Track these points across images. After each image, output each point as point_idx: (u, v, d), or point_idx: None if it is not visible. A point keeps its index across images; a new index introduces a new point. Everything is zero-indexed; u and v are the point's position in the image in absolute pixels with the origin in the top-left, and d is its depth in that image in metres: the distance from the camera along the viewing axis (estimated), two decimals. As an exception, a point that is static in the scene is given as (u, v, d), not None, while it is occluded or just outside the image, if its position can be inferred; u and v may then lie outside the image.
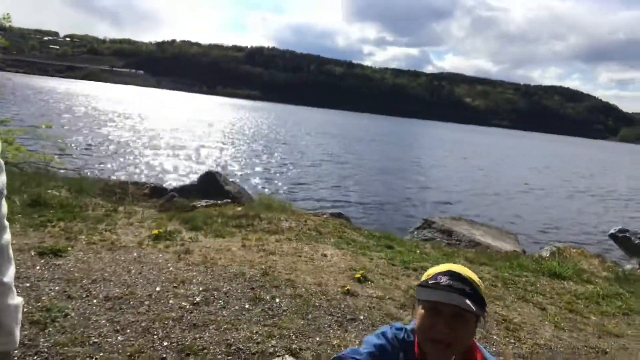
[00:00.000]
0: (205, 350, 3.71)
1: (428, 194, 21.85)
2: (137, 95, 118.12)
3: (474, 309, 1.57)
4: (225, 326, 4.11)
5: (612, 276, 7.14)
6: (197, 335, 3.90)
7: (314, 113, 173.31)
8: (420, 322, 1.72)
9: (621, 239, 9.69)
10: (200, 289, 4.77)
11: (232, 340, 3.90)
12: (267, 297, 4.79)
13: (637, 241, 9.37)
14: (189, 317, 4.16)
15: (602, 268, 7.59)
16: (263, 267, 5.56)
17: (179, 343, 3.74)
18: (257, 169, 23.88)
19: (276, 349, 3.88)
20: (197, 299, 4.54)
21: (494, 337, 4.56)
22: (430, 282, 1.71)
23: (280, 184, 19.52)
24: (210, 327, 4.07)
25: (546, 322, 5.07)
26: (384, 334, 1.85)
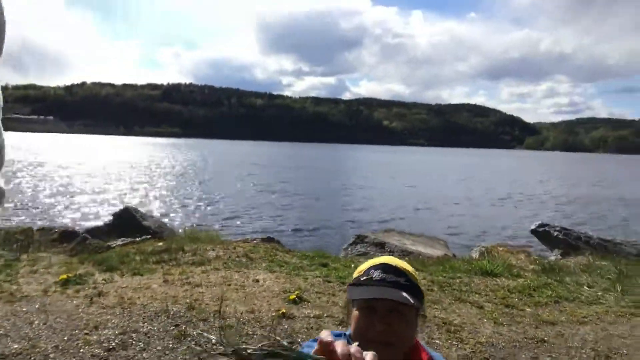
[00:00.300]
0: (124, 401, 3.22)
1: (360, 213, 21.97)
2: (48, 142, 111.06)
3: (412, 302, 1.43)
4: (148, 370, 3.63)
5: (539, 268, 7.35)
6: (114, 385, 3.40)
7: (237, 146, 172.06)
8: (355, 325, 1.53)
9: (542, 233, 10.13)
10: (117, 332, 4.25)
11: (155, 384, 3.44)
12: (194, 333, 4.35)
13: (555, 233, 9.82)
14: (102, 366, 3.65)
15: (529, 262, 7.81)
16: (188, 300, 5.09)
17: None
18: (181, 204, 22.84)
19: (206, 387, 3.47)
20: (113, 344, 4.02)
21: (436, 341, 4.42)
22: (362, 278, 1.54)
23: (208, 216, 18.74)
24: (132, 375, 3.58)
25: (485, 320, 5.02)
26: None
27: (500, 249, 8.73)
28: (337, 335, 1.70)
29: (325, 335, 0.87)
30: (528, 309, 5.42)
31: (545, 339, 4.55)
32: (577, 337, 4.65)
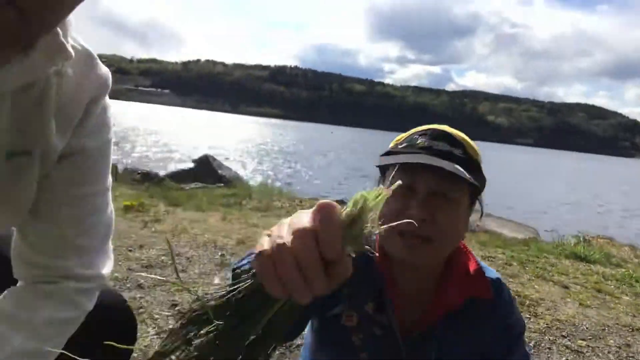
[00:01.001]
0: (142, 309, 3.06)
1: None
2: (165, 114, 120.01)
3: (469, 177, 1.01)
4: (176, 288, 3.45)
5: (646, 263, 6.24)
6: (138, 295, 3.26)
7: (336, 130, 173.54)
8: (384, 210, 1.09)
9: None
10: (160, 253, 4.14)
11: (180, 300, 3.25)
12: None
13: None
14: (133, 278, 3.52)
15: (634, 255, 6.69)
16: (240, 236, 4.90)
17: (113, 301, 3.09)
18: (264, 170, 23.11)
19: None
20: (152, 262, 3.90)
21: (504, 311, 3.78)
22: (400, 146, 1.16)
23: (287, 184, 18.76)
24: (157, 289, 3.42)
25: (568, 300, 4.26)
26: None
27: (601, 240, 7.60)
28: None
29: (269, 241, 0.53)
30: (626, 297, 4.53)
31: (644, 328, 3.73)
32: (687, 333, 3.76)
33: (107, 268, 1.00)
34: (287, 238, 0.50)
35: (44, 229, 0.90)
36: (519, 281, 4.65)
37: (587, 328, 3.63)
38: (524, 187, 32.43)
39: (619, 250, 6.94)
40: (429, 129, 1.14)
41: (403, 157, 1.07)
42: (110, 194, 1.01)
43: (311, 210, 0.52)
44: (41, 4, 0.61)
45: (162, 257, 4.04)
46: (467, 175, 1.00)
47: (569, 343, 3.32)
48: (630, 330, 3.69)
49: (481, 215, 1.23)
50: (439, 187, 1.04)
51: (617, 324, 3.79)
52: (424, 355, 1.12)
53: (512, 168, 60.13)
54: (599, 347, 3.31)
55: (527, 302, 4.04)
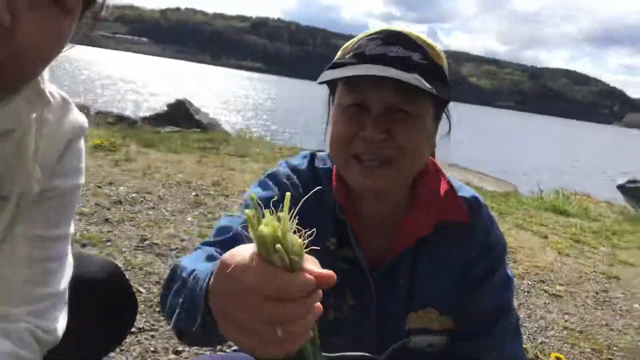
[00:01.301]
0: (109, 242, 2.89)
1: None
2: (142, 63, 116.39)
3: (429, 88, 0.85)
4: (145, 224, 3.31)
5: (622, 218, 6.31)
6: (105, 229, 3.08)
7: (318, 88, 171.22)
8: (332, 133, 0.98)
9: (630, 189, 8.81)
10: (130, 190, 3.95)
11: (150, 236, 3.10)
12: (212, 203, 3.97)
13: (648, 192, 8.51)
14: (102, 213, 3.34)
15: (610, 210, 6.76)
16: (215, 178, 4.72)
17: (78, 235, 2.92)
18: (240, 118, 22.59)
19: (204, 248, 3.06)
20: (121, 199, 3.71)
21: (483, 256, 3.74)
22: (348, 55, 0.96)
23: (266, 132, 18.39)
24: (127, 223, 3.26)
25: (547, 249, 4.25)
26: (270, 179, 1.07)
27: (579, 196, 7.65)
28: (301, 160, 1.12)
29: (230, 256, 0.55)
30: (603, 248, 4.55)
31: (620, 277, 3.74)
32: (662, 282, 3.78)
33: (61, 324, 0.89)
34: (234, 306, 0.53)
35: None
36: (498, 230, 4.61)
37: (565, 274, 3.62)
38: (503, 147, 32.73)
39: (597, 205, 7.01)
40: (381, 31, 0.95)
41: (350, 70, 0.89)
42: (70, 244, 0.94)
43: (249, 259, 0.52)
44: (13, 59, 0.65)
45: (133, 195, 3.84)
46: (428, 85, 0.84)
47: (547, 287, 3.30)
48: (607, 277, 3.69)
49: (449, 131, 1.08)
50: (396, 102, 0.89)
51: (595, 271, 3.79)
52: (394, 286, 1.01)
53: (493, 129, 60.58)
54: (577, 292, 3.30)
55: (507, 249, 4.00)
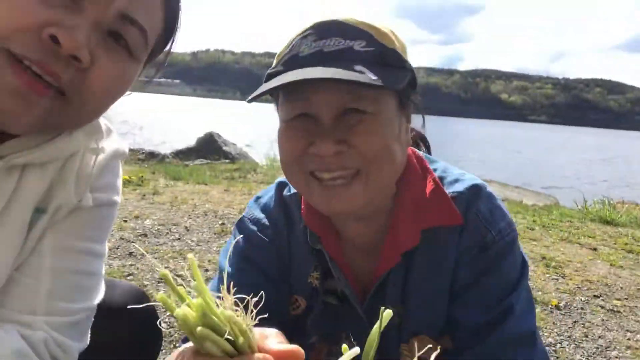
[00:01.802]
0: (131, 276, 2.81)
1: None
2: (176, 103, 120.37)
3: (373, 80, 0.71)
4: (170, 255, 3.21)
5: (678, 225, 5.85)
6: (128, 263, 3.01)
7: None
8: (280, 151, 0.85)
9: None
10: (156, 223, 3.90)
11: (174, 267, 3.00)
12: (238, 232, 3.87)
13: None
14: (126, 247, 3.28)
15: (664, 218, 6.29)
16: (243, 206, 4.63)
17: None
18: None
19: (230, 278, 2.94)
20: (147, 232, 3.66)
21: (530, 273, 3.46)
22: (282, 61, 0.83)
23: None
24: (150, 256, 3.17)
25: (598, 261, 3.93)
26: (237, 227, 1.04)
27: (627, 204, 7.20)
28: (271, 193, 1.06)
29: None
30: (660, 258, 4.18)
31: (685, 287, 3.39)
32: None
33: (79, 345, 0.87)
34: None
35: (20, 280, 0.82)
36: (542, 244, 4.32)
37: (621, 288, 3.31)
38: (539, 162, 31.83)
39: (647, 213, 6.54)
40: (315, 24, 0.80)
41: (281, 78, 0.76)
42: (103, 265, 0.94)
43: None
44: (85, 97, 0.70)
45: (159, 227, 3.79)
46: (373, 77, 0.70)
47: (602, 303, 3.00)
48: (669, 289, 3.35)
49: (423, 123, 0.99)
50: (345, 103, 0.76)
51: (654, 283, 3.46)
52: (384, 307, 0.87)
53: (527, 145, 59.24)
54: (637, 307, 2.99)
55: (554, 263, 3.72)
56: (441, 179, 0.92)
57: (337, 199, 0.78)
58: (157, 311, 2.35)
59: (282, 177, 1.01)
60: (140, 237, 3.53)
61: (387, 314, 0.45)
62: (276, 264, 0.94)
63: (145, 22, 0.74)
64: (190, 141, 9.46)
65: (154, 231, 3.69)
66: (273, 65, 0.86)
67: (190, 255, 0.46)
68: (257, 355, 0.43)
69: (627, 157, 43.51)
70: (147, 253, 3.21)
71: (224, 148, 8.45)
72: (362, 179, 0.77)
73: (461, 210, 0.87)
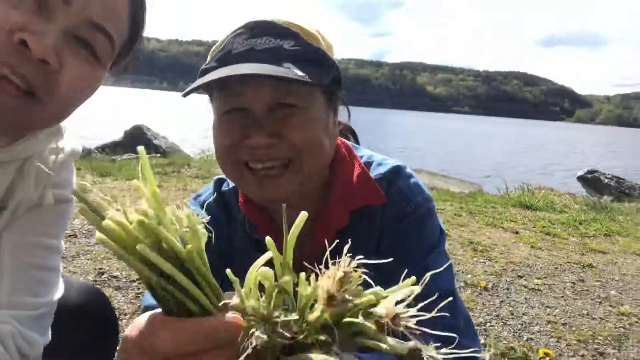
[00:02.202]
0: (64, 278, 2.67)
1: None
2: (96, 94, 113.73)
3: (300, 76, 0.77)
4: (103, 256, 3.08)
5: (586, 208, 6.41)
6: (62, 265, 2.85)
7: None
8: (215, 144, 0.91)
9: (590, 179, 9.04)
10: (85, 223, 3.71)
11: (108, 268, 2.89)
12: (174, 228, 3.78)
13: (606, 180, 8.74)
14: (54, 248, 3.11)
15: (574, 201, 6.88)
16: (178, 202, 4.50)
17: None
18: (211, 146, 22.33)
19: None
20: (76, 232, 3.48)
21: (459, 257, 3.68)
22: (215, 58, 0.88)
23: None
24: (82, 257, 3.04)
25: (520, 244, 4.23)
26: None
27: (543, 190, 7.78)
28: (204, 193, 1.09)
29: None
30: (573, 239, 4.58)
31: (594, 264, 3.74)
32: (633, 266, 3.81)
33: (43, 339, 0.88)
34: None
35: None
36: (470, 229, 4.58)
37: (540, 268, 3.59)
38: (462, 151, 33.49)
39: (561, 197, 7.11)
40: (247, 24, 0.87)
41: (215, 73, 0.81)
42: (60, 263, 0.97)
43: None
44: (54, 99, 0.73)
45: (88, 227, 3.62)
46: (300, 74, 0.77)
47: (525, 282, 3.25)
48: (582, 267, 3.69)
49: (349, 117, 1.09)
50: (276, 98, 0.82)
51: (569, 262, 3.78)
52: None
53: (451, 134, 62.01)
54: (555, 284, 3.26)
55: (480, 247, 3.97)
56: (367, 164, 1.00)
57: (269, 187, 0.84)
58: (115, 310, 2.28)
59: (220, 175, 1.05)
60: (70, 238, 3.36)
61: (303, 214, 0.46)
62: (219, 259, 0.97)
63: (113, 30, 0.77)
64: (116, 135, 9.03)
65: (84, 231, 3.52)
66: (207, 61, 0.90)
67: (140, 148, 0.42)
68: (230, 315, 0.43)
69: (543, 146, 46.86)
70: (78, 254, 3.08)
71: (154, 141, 8.15)
72: (293, 168, 0.84)
73: (383, 189, 0.95)
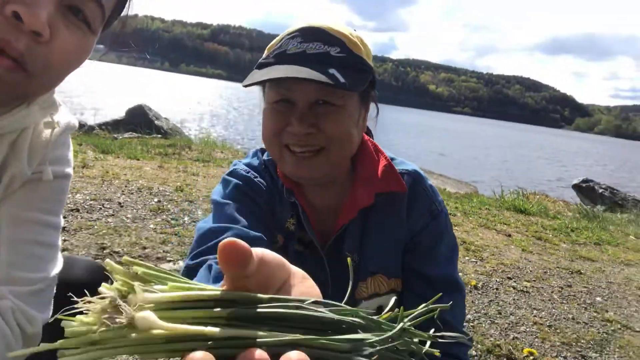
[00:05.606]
0: (65, 252, 2.72)
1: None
2: (99, 70, 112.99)
3: (342, 82, 0.92)
4: (105, 231, 3.14)
5: (579, 216, 6.51)
6: (62, 238, 2.91)
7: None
8: (263, 128, 1.05)
9: (585, 188, 9.12)
10: (87, 198, 3.76)
11: (109, 244, 2.95)
12: (175, 210, 3.84)
13: (600, 190, 8.83)
14: (57, 221, 3.16)
15: (568, 209, 6.98)
16: (179, 184, 4.58)
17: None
18: (204, 124, 22.21)
19: (169, 254, 2.96)
20: (78, 207, 3.53)
21: (451, 256, 3.75)
22: (272, 55, 1.02)
23: (232, 138, 18.07)
24: (84, 231, 3.09)
25: (512, 246, 4.32)
26: (231, 175, 1.14)
27: (538, 195, 7.87)
28: (252, 158, 1.21)
29: None
30: (563, 245, 4.67)
31: (582, 271, 3.83)
32: (620, 275, 3.91)
33: (43, 316, 0.87)
34: None
35: None
36: (463, 229, 4.66)
37: (530, 271, 3.68)
38: (461, 151, 33.56)
39: (555, 204, 7.22)
40: (300, 29, 1.00)
41: (272, 71, 0.96)
42: (59, 237, 0.96)
43: None
44: (46, 70, 0.74)
45: (91, 202, 3.67)
46: (342, 80, 0.91)
47: (514, 284, 3.34)
48: (570, 272, 3.78)
49: (377, 114, 1.19)
50: (318, 96, 0.97)
51: (558, 267, 3.88)
52: (344, 260, 1.10)
53: (453, 135, 62.04)
54: (543, 288, 3.35)
55: (473, 247, 4.05)
56: (391, 159, 1.15)
57: (305, 167, 0.99)
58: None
59: (221, 158, 1.13)
60: (72, 212, 3.41)
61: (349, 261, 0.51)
62: (266, 204, 1.11)
63: None
64: (118, 112, 9.04)
65: (86, 206, 3.57)
66: (264, 55, 1.05)
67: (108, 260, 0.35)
68: None
69: (541, 152, 47.03)
70: (81, 228, 3.14)
71: (156, 122, 8.15)
72: (325, 154, 0.98)
73: (408, 184, 1.10)
